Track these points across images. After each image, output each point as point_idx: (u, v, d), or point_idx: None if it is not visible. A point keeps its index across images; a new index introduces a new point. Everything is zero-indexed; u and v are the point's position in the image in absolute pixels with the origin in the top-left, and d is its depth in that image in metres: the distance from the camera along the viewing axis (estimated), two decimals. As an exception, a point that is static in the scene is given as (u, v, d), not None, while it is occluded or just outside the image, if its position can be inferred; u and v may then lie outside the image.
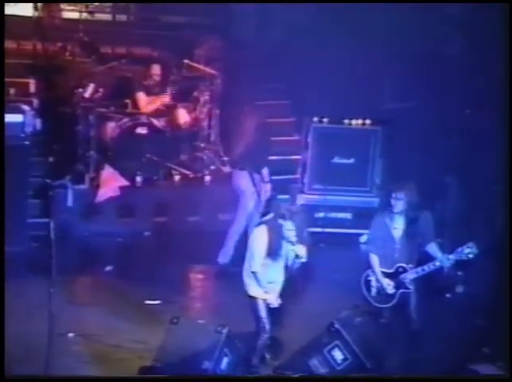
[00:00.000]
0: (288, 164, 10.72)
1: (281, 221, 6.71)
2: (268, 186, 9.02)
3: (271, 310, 6.81)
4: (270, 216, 6.88)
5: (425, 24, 9.83)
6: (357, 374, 6.82)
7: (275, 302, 6.80)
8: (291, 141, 11.04)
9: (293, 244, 6.72)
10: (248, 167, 8.95)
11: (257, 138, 9.02)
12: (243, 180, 9.01)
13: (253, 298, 6.79)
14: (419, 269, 7.04)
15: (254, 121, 9.16)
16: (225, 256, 9.00)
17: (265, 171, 9.01)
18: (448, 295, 8.67)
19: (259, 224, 6.98)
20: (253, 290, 6.80)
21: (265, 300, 6.78)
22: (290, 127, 11.24)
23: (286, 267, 6.85)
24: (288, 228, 6.68)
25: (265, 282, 6.77)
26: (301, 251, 6.75)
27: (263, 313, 6.75)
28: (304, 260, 6.81)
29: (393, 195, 7.05)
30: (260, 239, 6.75)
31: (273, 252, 6.72)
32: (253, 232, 6.94)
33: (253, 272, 6.74)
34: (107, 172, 10.10)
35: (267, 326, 6.75)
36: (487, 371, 7.15)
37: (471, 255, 6.93)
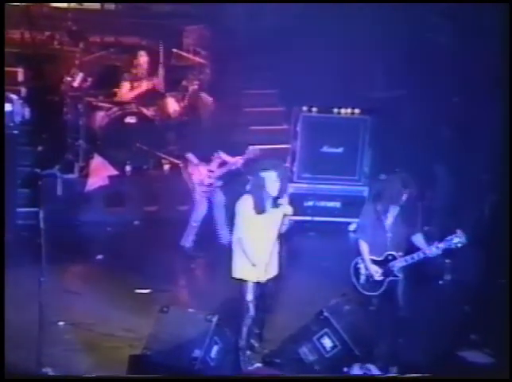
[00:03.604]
0: (277, 153, 10.74)
1: (263, 174, 6.66)
2: (212, 174, 9.08)
3: (259, 296, 6.84)
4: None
5: (416, 12, 9.84)
6: (346, 362, 6.88)
7: (263, 276, 6.78)
8: (280, 130, 11.06)
9: (278, 199, 6.65)
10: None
11: (208, 126, 9.11)
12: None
13: (241, 281, 6.80)
14: (408, 257, 7.07)
15: (205, 109, 9.32)
16: (187, 240, 9.12)
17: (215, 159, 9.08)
18: (436, 283, 8.73)
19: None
20: (240, 267, 6.77)
21: (253, 281, 6.77)
22: (279, 116, 11.26)
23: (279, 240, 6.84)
24: (273, 179, 6.61)
25: (252, 252, 6.72)
26: (288, 209, 6.74)
27: (249, 295, 6.77)
28: (291, 217, 6.75)
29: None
30: (244, 202, 6.70)
31: (258, 207, 6.65)
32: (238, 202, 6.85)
33: (239, 238, 6.71)
34: (97, 161, 10.10)
35: (251, 308, 6.77)
36: (475, 357, 7.21)
37: (459, 244, 6.97)
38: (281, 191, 6.70)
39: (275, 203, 6.75)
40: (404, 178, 7.03)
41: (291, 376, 6.77)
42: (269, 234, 6.80)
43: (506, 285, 7.70)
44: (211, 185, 9.12)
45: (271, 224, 6.79)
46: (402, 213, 7.05)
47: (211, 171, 9.12)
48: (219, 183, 9.17)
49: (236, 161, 9.08)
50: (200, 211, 9.15)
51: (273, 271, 6.92)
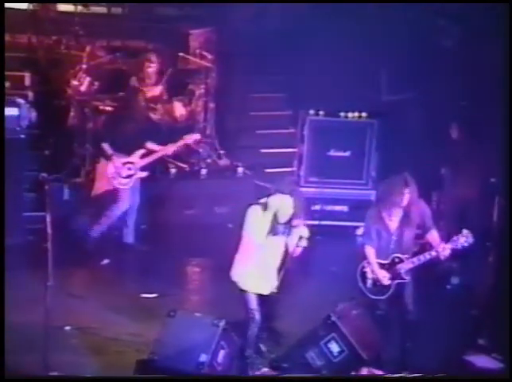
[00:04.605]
0: (283, 157, 10.73)
1: (276, 197, 6.52)
2: (133, 165, 9.13)
3: (264, 302, 6.80)
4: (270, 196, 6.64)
5: (422, 16, 9.83)
6: (353, 366, 6.85)
7: (266, 289, 6.72)
8: (287, 134, 11.04)
9: (293, 223, 6.53)
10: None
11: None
12: None
13: (243, 291, 6.77)
14: (415, 259, 7.03)
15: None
16: (95, 230, 9.18)
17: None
18: (443, 287, 8.70)
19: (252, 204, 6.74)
20: (242, 275, 6.71)
21: (256, 293, 6.73)
22: (286, 120, 11.24)
23: (285, 253, 6.78)
24: (286, 205, 6.50)
25: (257, 267, 6.65)
26: (304, 232, 6.66)
27: (253, 304, 6.72)
28: (305, 243, 6.68)
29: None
30: (252, 212, 6.59)
31: (269, 230, 6.54)
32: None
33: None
34: (103, 165, 10.08)
35: (257, 317, 6.73)
36: (482, 361, 7.18)
37: (466, 244, 6.93)
38: (294, 216, 6.54)
39: (288, 226, 6.59)
40: (405, 177, 6.99)
41: (297, 376, 6.75)
42: (275, 256, 6.71)
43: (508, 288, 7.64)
44: (129, 176, 9.07)
45: (280, 246, 6.69)
46: (407, 214, 7.01)
47: (130, 163, 9.08)
48: (143, 174, 9.15)
49: (166, 149, 9.11)
50: (121, 203, 9.15)
51: (274, 283, 6.85)
